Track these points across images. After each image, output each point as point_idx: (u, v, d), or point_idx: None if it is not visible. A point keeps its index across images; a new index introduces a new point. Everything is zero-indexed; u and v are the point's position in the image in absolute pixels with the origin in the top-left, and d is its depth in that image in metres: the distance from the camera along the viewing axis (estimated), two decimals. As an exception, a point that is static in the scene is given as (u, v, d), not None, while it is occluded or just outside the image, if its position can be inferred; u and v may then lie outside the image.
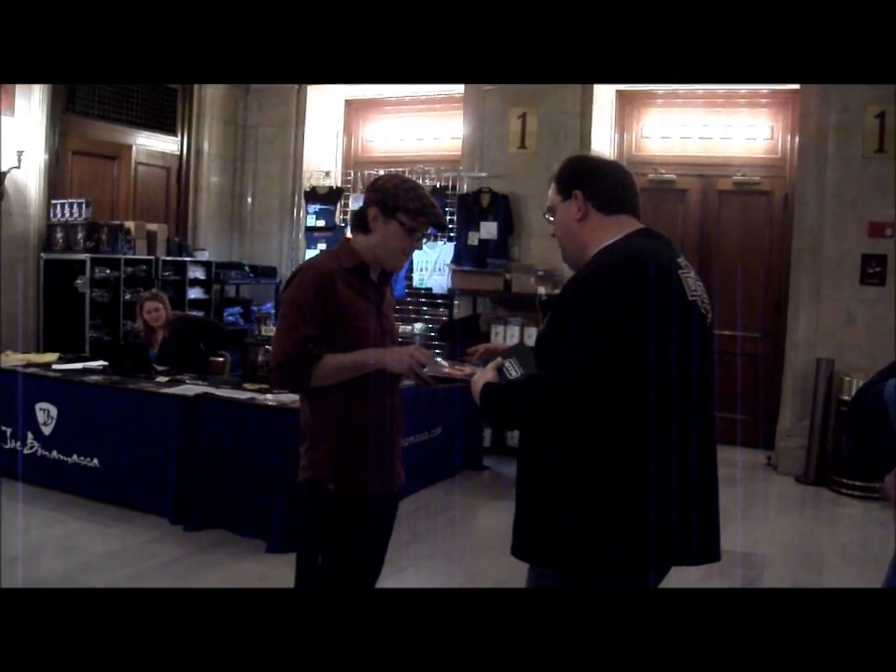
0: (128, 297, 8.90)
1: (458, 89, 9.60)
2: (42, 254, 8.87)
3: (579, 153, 2.62)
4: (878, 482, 1.75)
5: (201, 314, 9.55)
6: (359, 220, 3.10)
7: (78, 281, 8.58)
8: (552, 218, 2.53)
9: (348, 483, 3.01)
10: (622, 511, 2.15)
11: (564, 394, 2.11)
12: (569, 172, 2.48)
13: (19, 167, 8.55)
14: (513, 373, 2.32)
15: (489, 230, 9.06)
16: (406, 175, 9.59)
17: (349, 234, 3.22)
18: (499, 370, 2.35)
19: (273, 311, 9.85)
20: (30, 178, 8.74)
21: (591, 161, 2.52)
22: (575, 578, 2.20)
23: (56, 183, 9.10)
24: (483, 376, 2.37)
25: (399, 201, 3.00)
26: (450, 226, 9.46)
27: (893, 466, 1.67)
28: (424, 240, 3.19)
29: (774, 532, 6.40)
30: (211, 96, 10.56)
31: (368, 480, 3.05)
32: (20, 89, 8.50)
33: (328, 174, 10.58)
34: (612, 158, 2.59)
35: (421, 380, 3.00)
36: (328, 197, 10.28)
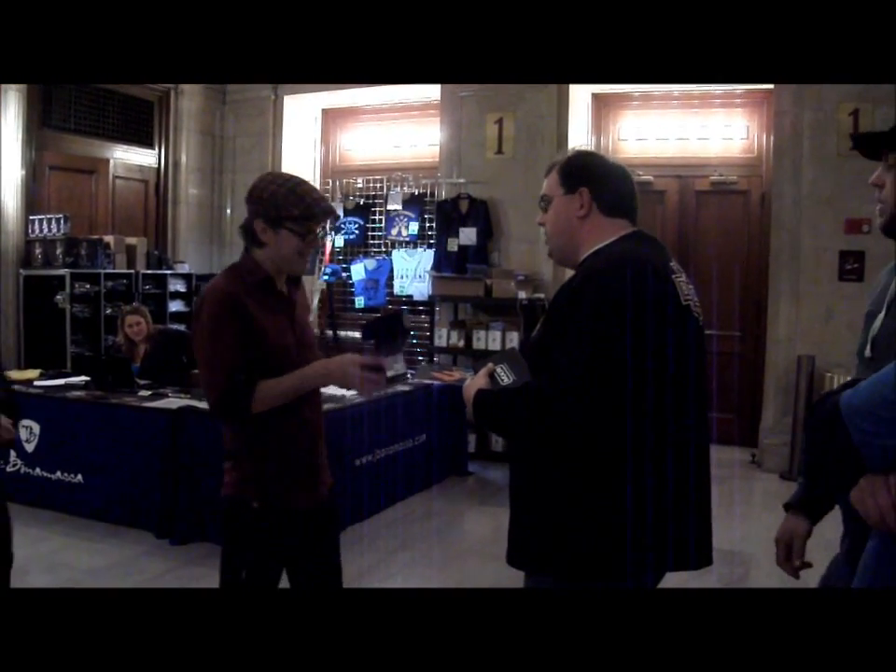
0: (109, 311, 8.88)
1: (435, 95, 9.61)
2: (21, 270, 8.82)
3: (585, 148, 2.58)
4: (838, 494, 1.73)
5: (182, 326, 9.53)
6: (248, 235, 2.97)
7: (58, 297, 8.54)
8: (544, 207, 2.48)
9: (273, 500, 2.92)
10: (618, 515, 2.14)
11: (561, 401, 2.09)
12: (578, 167, 2.44)
13: (-5, 184, 8.52)
14: (505, 379, 2.30)
15: (468, 235, 9.07)
16: (385, 181, 9.62)
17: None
18: (491, 375, 2.34)
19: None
20: (7, 195, 8.70)
21: (601, 159, 2.49)
22: (573, 583, 2.21)
23: (34, 199, 9.06)
24: (475, 383, 2.34)
25: (282, 210, 2.88)
26: (429, 233, 9.49)
27: (851, 478, 1.65)
28: (322, 234, 3.02)
29: (760, 529, 6.40)
30: (187, 108, 10.55)
31: (293, 496, 2.97)
32: (-6, 105, 8.48)
33: (306, 183, 10.56)
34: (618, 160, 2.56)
35: (372, 382, 2.89)
36: (306, 206, 10.24)
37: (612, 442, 2.11)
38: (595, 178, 2.41)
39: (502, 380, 2.30)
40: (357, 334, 9.39)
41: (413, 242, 9.72)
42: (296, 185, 2.94)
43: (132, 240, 9.46)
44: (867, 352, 2.26)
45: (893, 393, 1.56)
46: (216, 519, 3.11)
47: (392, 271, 9.72)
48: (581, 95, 9.20)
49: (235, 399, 2.80)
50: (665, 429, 2.15)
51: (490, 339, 8.50)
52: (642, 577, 2.20)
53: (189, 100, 10.53)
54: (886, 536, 1.64)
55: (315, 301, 10.04)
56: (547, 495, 2.24)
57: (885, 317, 2.22)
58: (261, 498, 2.90)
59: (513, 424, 2.28)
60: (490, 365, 2.35)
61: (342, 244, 10.20)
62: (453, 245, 9.14)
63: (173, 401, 6.22)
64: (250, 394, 2.79)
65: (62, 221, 8.74)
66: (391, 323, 3.14)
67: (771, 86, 8.44)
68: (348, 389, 2.99)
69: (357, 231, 10.18)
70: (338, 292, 10.37)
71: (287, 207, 2.87)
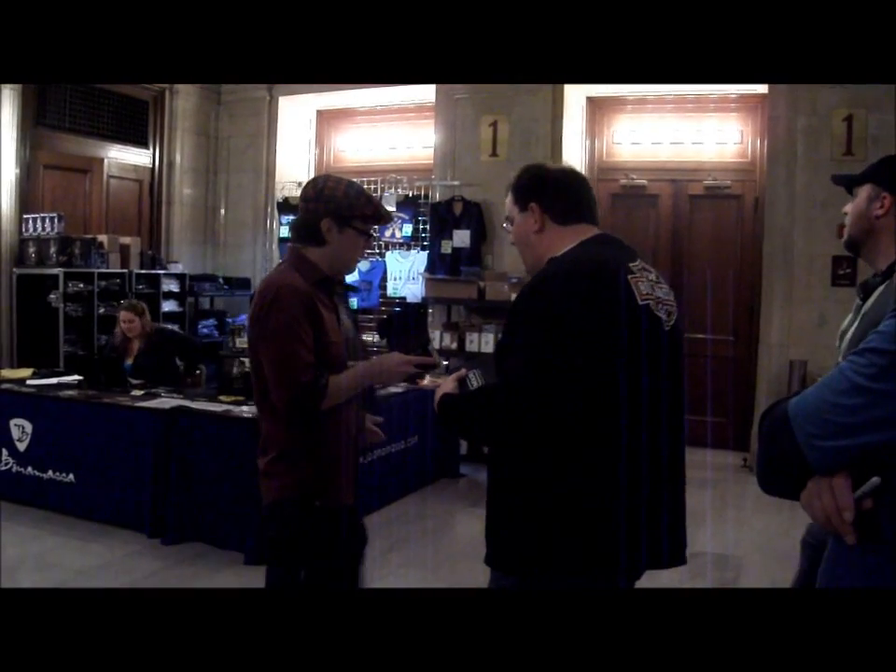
0: (102, 311, 8.88)
1: (430, 97, 9.61)
2: (15, 269, 8.80)
3: (534, 162, 2.62)
4: (790, 498, 1.77)
5: (175, 326, 9.51)
6: (310, 233, 2.99)
7: (52, 296, 8.53)
8: (510, 228, 2.55)
9: (333, 497, 3.01)
10: (574, 515, 2.15)
11: (508, 403, 2.14)
12: (525, 183, 2.50)
13: (-11, 182, 8.51)
14: (474, 384, 2.32)
15: (462, 238, 9.07)
16: (379, 183, 9.59)
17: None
18: (463, 380, 2.36)
19: (247, 323, 9.83)
20: (1, 193, 8.69)
21: (545, 171, 2.52)
22: (534, 583, 2.21)
23: (28, 197, 9.06)
24: (442, 387, 2.39)
25: (354, 210, 2.95)
26: (423, 235, 9.49)
27: (802, 482, 1.69)
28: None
29: (751, 533, 6.43)
30: (182, 108, 10.54)
31: (345, 492, 3.07)
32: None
33: (300, 184, 10.53)
34: (568, 165, 2.62)
35: (418, 376, 3.05)
36: (301, 208, 10.25)
37: (561, 439, 2.13)
38: (541, 192, 2.45)
39: (471, 384, 2.33)
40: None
41: (407, 244, 9.71)
42: (361, 187, 3.05)
43: (125, 239, 9.46)
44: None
45: (835, 396, 1.60)
46: (263, 524, 3.12)
47: (385, 272, 9.72)
48: (575, 98, 9.21)
49: (312, 394, 2.84)
50: (615, 425, 2.15)
51: (483, 341, 8.49)
52: (606, 577, 2.20)
53: (183, 100, 10.53)
54: (837, 537, 1.68)
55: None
56: (510, 495, 2.27)
57: (853, 328, 2.65)
58: (322, 496, 2.97)
59: (468, 426, 2.39)
60: (463, 370, 2.39)
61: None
62: (446, 248, 9.13)
63: (165, 401, 6.21)
64: (325, 389, 2.85)
65: (55, 220, 8.73)
66: (401, 321, 3.21)
67: (765, 91, 8.46)
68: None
69: (350, 232, 10.16)
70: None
71: (359, 207, 2.96)
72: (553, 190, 2.45)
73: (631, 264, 2.31)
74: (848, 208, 2.71)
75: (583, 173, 6.60)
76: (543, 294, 2.19)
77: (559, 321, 2.11)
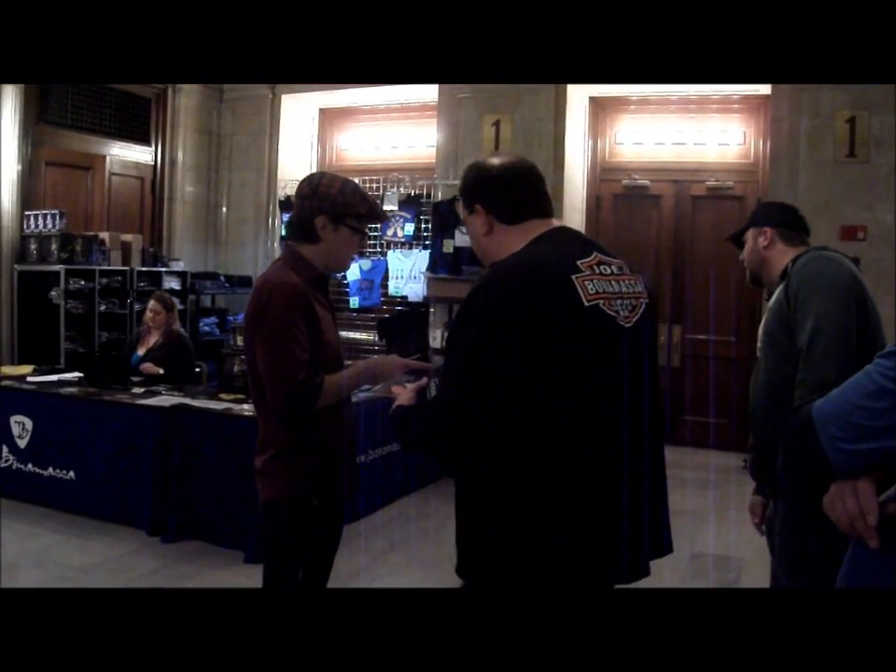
0: (103, 308, 8.88)
1: (432, 96, 9.61)
2: (16, 266, 8.81)
3: (475, 160, 2.46)
4: (813, 501, 1.75)
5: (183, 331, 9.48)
6: (305, 230, 2.98)
7: (53, 292, 8.53)
8: (466, 230, 2.46)
9: (328, 495, 3.00)
10: (527, 526, 2.08)
11: (440, 417, 2.07)
12: (469, 184, 2.38)
13: (-9, 178, 8.50)
14: (433, 394, 2.27)
15: (464, 237, 9.04)
16: (381, 182, 9.55)
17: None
18: (423, 391, 2.30)
19: (243, 321, 9.81)
20: (3, 190, 8.69)
21: (486, 169, 2.36)
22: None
23: (29, 194, 9.06)
24: (399, 398, 2.32)
25: (349, 208, 2.94)
26: (425, 234, 9.48)
27: (826, 485, 1.68)
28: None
29: (752, 534, 6.39)
30: (185, 105, 10.54)
31: (339, 490, 3.06)
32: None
33: (302, 182, 10.55)
34: (513, 157, 2.42)
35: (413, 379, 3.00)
36: (302, 206, 10.23)
37: (499, 450, 2.05)
38: (484, 192, 2.33)
39: (430, 394, 2.28)
40: (352, 334, 9.39)
41: (409, 243, 9.69)
42: (356, 185, 3.03)
43: (127, 237, 9.45)
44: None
45: (860, 398, 1.59)
46: (262, 523, 3.10)
47: (387, 271, 9.70)
48: (578, 98, 9.20)
49: (308, 393, 2.82)
50: (564, 435, 2.07)
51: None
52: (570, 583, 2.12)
53: (186, 97, 10.52)
54: (860, 541, 1.66)
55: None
56: (467, 506, 2.28)
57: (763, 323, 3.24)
58: (320, 495, 2.97)
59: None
60: (425, 379, 2.34)
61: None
62: (448, 247, 9.11)
63: (166, 399, 6.21)
64: (320, 388, 2.83)
65: (57, 217, 8.72)
66: (403, 322, 3.21)
67: (768, 92, 8.45)
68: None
69: (352, 231, 10.15)
70: (332, 292, 10.31)
71: (354, 205, 2.94)
72: (494, 190, 2.31)
73: (582, 261, 2.16)
74: (743, 255, 3.49)
75: (586, 173, 6.60)
76: (478, 303, 2.08)
77: (491, 330, 2.02)
